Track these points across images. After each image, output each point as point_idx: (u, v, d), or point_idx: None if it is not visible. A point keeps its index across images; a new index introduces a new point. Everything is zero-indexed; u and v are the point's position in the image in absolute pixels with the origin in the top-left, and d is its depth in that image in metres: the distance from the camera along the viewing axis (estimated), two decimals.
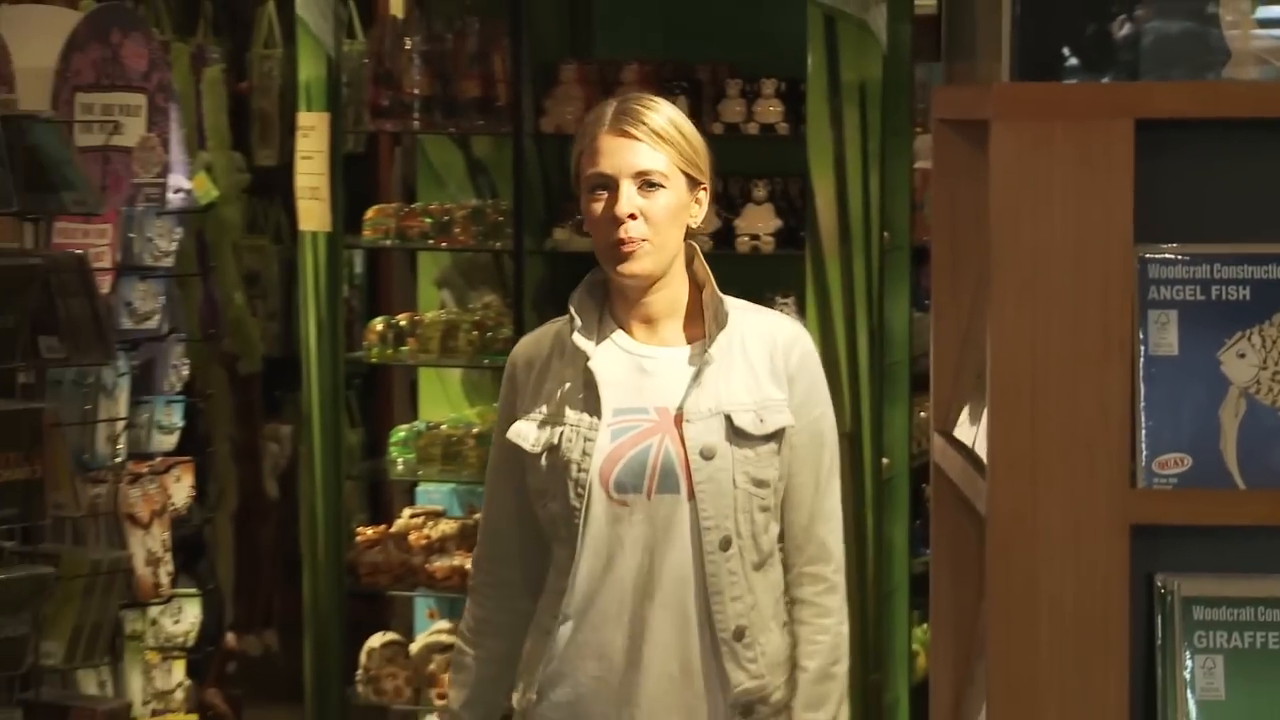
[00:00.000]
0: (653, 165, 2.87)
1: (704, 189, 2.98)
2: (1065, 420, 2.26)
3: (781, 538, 3.02)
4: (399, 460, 6.56)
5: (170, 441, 4.36)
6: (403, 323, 5.95)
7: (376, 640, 6.48)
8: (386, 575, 6.47)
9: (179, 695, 4.41)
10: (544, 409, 2.94)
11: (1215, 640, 2.27)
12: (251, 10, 6.98)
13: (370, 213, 6.00)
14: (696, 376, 2.91)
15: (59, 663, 3.73)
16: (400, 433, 6.53)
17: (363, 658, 6.47)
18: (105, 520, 4.02)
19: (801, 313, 5.29)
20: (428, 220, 5.58)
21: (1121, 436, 2.24)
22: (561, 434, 2.89)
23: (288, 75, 6.46)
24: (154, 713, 4.29)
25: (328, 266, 5.76)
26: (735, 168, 5.55)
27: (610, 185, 2.86)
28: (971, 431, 2.53)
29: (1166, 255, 2.26)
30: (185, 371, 4.49)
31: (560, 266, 5.79)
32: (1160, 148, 2.26)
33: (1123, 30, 2.33)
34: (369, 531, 6.62)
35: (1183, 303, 2.26)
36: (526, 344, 3.12)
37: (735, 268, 5.50)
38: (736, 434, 2.88)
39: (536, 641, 2.98)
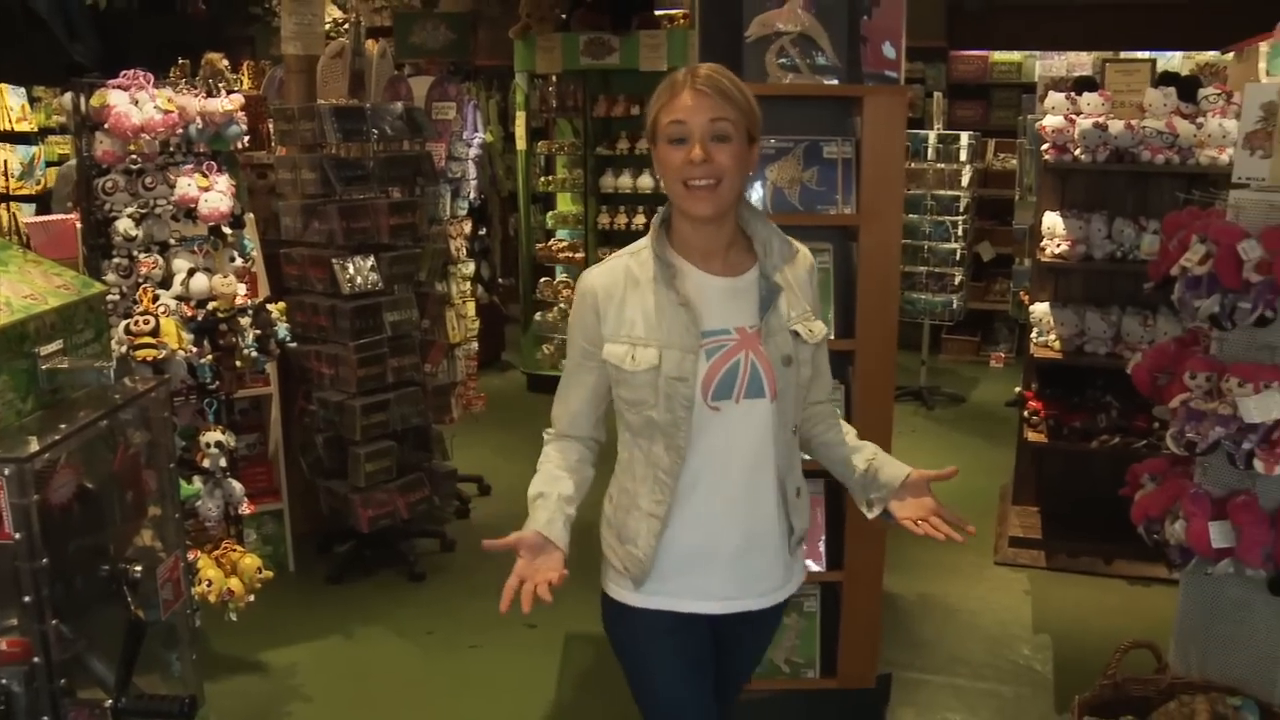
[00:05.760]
0: (723, 118, 1.55)
1: (756, 145, 1.63)
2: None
3: None
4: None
5: (464, 213, 4.27)
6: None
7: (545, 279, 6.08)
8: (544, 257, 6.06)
9: (471, 299, 4.38)
10: (633, 332, 1.61)
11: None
12: (509, 80, 6.52)
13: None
14: (767, 299, 1.64)
15: (423, 278, 3.72)
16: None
17: (541, 284, 6.06)
18: (437, 236, 3.95)
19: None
20: None
21: None
22: (661, 355, 1.59)
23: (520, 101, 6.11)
24: (460, 298, 4.22)
25: (527, 161, 5.80)
26: None
27: (688, 136, 1.55)
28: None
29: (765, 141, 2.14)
30: (473, 194, 4.45)
31: None
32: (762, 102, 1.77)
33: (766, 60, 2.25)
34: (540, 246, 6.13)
35: (764, 157, 2.26)
36: (601, 275, 1.66)
37: None
38: (798, 342, 1.65)
39: (638, 520, 1.66)
